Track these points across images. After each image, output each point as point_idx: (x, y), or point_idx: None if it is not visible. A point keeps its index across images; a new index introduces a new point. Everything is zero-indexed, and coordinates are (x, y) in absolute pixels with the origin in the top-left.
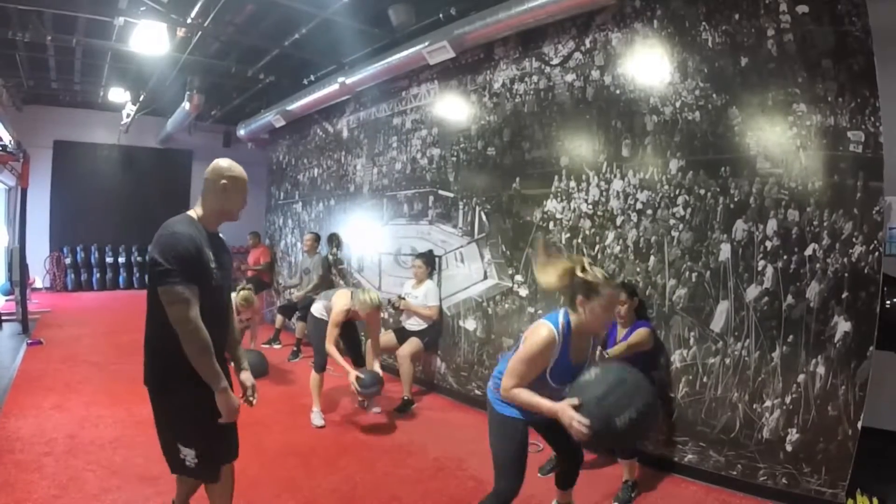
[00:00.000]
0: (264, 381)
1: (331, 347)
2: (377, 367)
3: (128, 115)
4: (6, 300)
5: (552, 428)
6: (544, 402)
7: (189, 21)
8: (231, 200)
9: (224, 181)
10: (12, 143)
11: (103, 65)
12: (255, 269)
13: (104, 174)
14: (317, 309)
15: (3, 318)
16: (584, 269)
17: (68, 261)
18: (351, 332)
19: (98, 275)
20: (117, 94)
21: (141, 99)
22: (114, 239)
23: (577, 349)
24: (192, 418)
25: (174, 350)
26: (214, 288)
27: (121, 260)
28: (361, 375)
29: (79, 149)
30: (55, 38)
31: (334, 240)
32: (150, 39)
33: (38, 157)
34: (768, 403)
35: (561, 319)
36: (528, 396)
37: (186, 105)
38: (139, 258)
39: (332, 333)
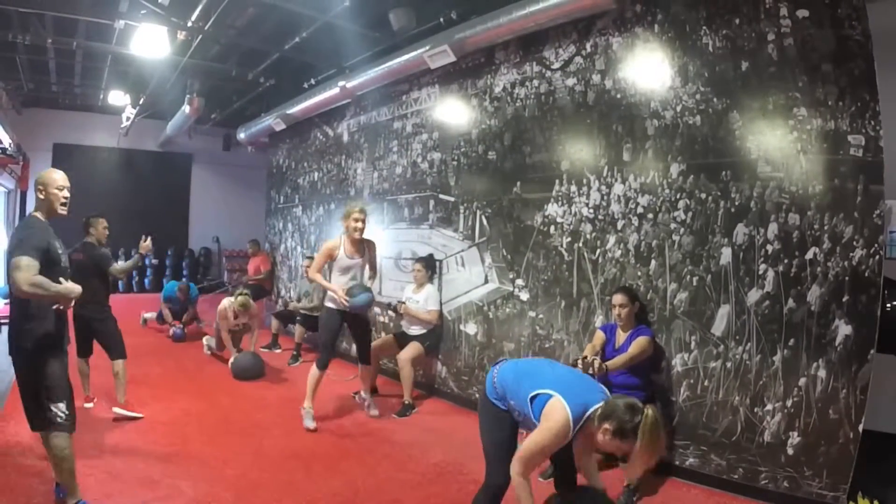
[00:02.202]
0: (265, 383)
1: (316, 275)
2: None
3: (127, 119)
4: (5, 304)
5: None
6: None
7: (190, 24)
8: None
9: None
10: (12, 145)
11: (103, 68)
12: (256, 278)
13: (104, 177)
14: (328, 300)
15: (3, 321)
16: (645, 419)
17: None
18: (363, 331)
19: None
20: (117, 98)
21: (141, 102)
22: (113, 242)
23: (584, 437)
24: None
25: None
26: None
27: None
28: (350, 286)
29: (78, 152)
30: (56, 40)
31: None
32: (150, 43)
33: (37, 160)
34: (769, 407)
35: (586, 414)
36: (525, 492)
37: (186, 108)
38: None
39: (319, 262)
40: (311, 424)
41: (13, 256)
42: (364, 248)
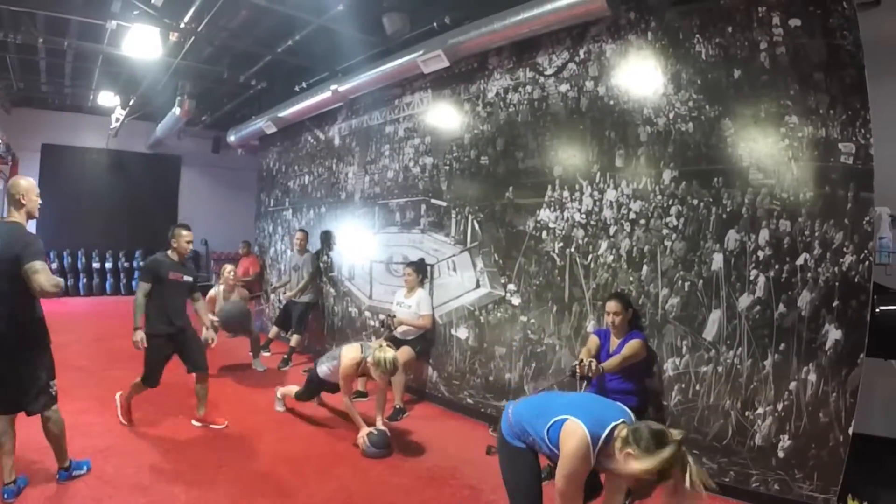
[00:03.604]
0: (256, 389)
1: (347, 400)
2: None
3: (117, 120)
4: None
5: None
6: None
7: (182, 26)
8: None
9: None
10: (2, 145)
11: (94, 68)
12: (244, 280)
13: (92, 179)
14: (322, 371)
15: None
16: (682, 461)
17: (55, 266)
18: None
19: (85, 280)
20: (107, 99)
21: (131, 103)
22: (101, 244)
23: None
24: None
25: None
26: None
27: (108, 265)
28: (375, 432)
29: (67, 153)
30: (47, 40)
31: (327, 239)
32: (142, 44)
33: (25, 160)
34: (760, 411)
35: (605, 431)
36: None
37: (177, 110)
38: (126, 264)
39: (346, 387)
40: (280, 408)
41: (28, 261)
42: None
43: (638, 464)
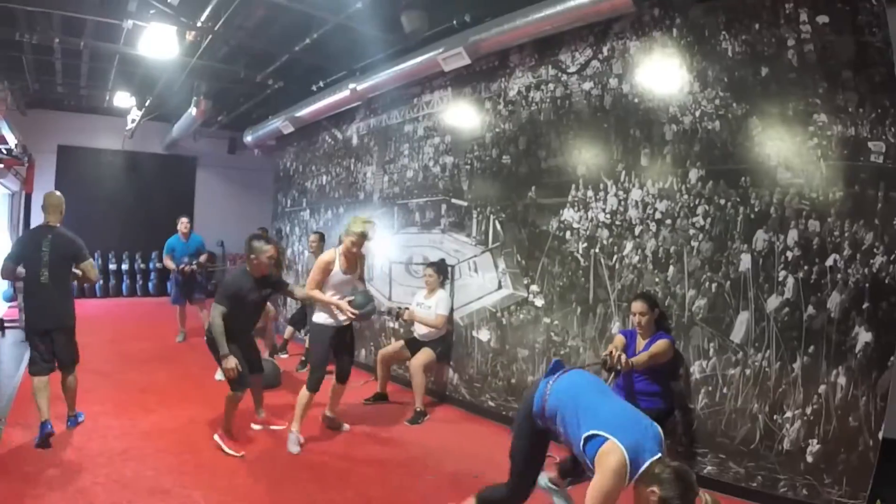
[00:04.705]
0: (276, 391)
1: (315, 292)
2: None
3: (133, 121)
4: (9, 306)
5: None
6: None
7: (199, 25)
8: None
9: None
10: (17, 147)
11: (110, 69)
12: None
13: (108, 180)
14: (319, 316)
15: (6, 324)
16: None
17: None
18: (348, 350)
19: (101, 282)
20: (123, 99)
21: (147, 104)
22: (117, 246)
23: None
24: None
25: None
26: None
27: (124, 267)
28: (352, 298)
29: (83, 154)
30: (63, 40)
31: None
32: (159, 43)
33: (41, 162)
34: (789, 414)
35: (644, 464)
36: None
37: (193, 110)
38: (143, 265)
39: (316, 279)
40: (295, 449)
41: (85, 259)
42: (357, 262)
43: None
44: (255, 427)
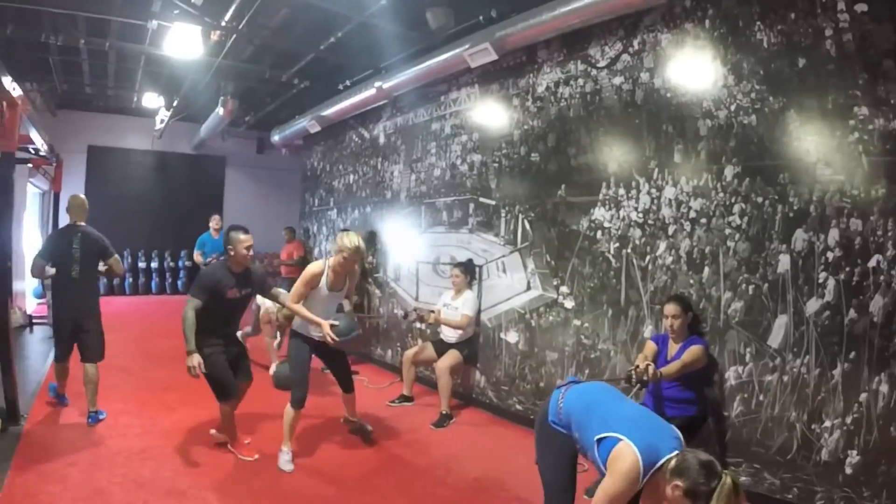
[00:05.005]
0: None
1: (297, 306)
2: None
3: (161, 121)
4: (38, 303)
5: None
6: None
7: (223, 24)
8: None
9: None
10: (45, 147)
11: (137, 69)
12: (287, 263)
13: (138, 180)
14: (297, 323)
15: (34, 321)
16: (723, 487)
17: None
18: (338, 358)
19: (130, 279)
20: (151, 100)
21: (174, 104)
22: (147, 244)
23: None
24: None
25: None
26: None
27: (153, 265)
28: (336, 323)
29: (112, 154)
30: (88, 41)
31: (372, 239)
32: (183, 43)
33: (71, 162)
34: (828, 423)
35: (658, 463)
36: None
37: (220, 110)
38: (171, 263)
39: (299, 291)
40: (287, 468)
41: (112, 255)
42: (346, 278)
43: (685, 497)
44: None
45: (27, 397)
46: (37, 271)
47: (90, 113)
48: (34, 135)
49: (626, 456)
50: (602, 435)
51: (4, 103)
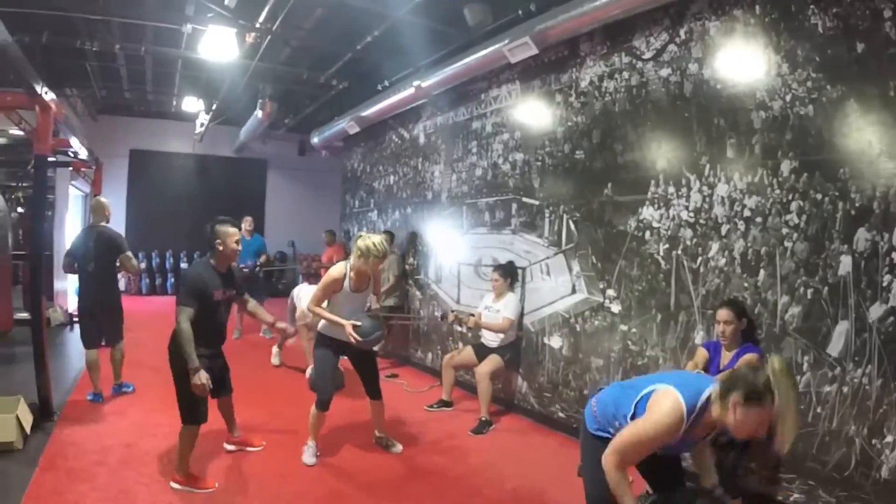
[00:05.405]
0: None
1: (317, 308)
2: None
3: (201, 125)
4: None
5: (652, 466)
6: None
7: (257, 26)
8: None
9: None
10: (84, 150)
11: (174, 73)
12: (328, 266)
13: (179, 182)
14: (321, 325)
15: (75, 319)
16: (774, 370)
17: (143, 265)
18: (367, 361)
19: (172, 279)
20: (190, 104)
21: (213, 108)
22: (188, 245)
23: (697, 434)
24: None
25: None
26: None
27: None
28: (359, 324)
29: (154, 158)
30: (124, 46)
31: (413, 240)
32: (219, 46)
33: (114, 165)
34: (890, 439)
35: (701, 400)
36: (623, 488)
37: (259, 113)
38: None
39: (318, 296)
40: (310, 461)
41: (123, 252)
42: (370, 279)
43: (747, 406)
44: (229, 447)
45: (61, 395)
46: (66, 267)
47: (131, 118)
48: (73, 139)
49: (666, 396)
50: (639, 396)
51: (38, 107)
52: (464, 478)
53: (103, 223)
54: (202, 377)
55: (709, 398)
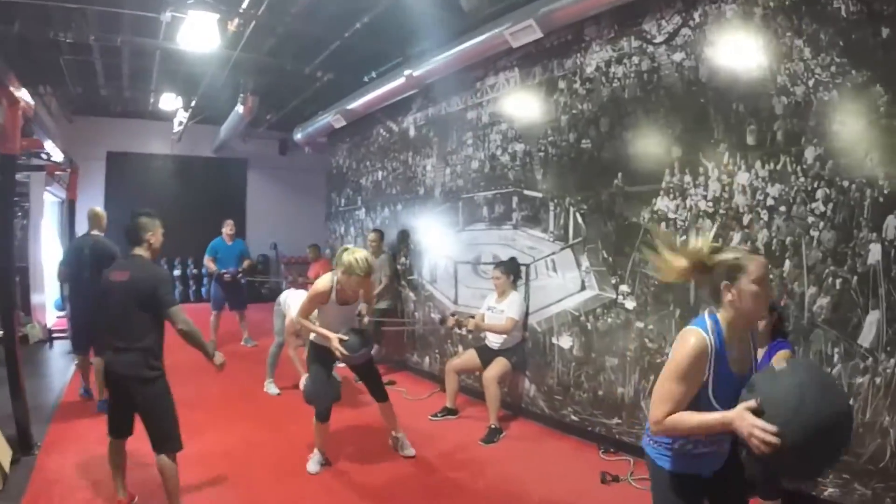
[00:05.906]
0: (337, 407)
1: (304, 320)
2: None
3: (180, 123)
4: (58, 316)
5: (719, 484)
6: (712, 417)
7: (240, 12)
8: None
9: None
10: (58, 153)
11: (152, 67)
12: (313, 282)
13: (158, 185)
14: (314, 334)
15: (54, 335)
16: (714, 251)
17: None
18: (365, 366)
19: None
20: (168, 101)
21: (192, 105)
22: (169, 251)
23: (738, 356)
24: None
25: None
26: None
27: (176, 273)
28: (346, 338)
29: (132, 160)
30: (99, 37)
31: (405, 239)
32: (199, 34)
33: (91, 168)
34: None
35: (708, 322)
36: (689, 418)
37: (240, 108)
38: (195, 270)
39: (305, 308)
40: (314, 468)
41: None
42: (358, 291)
43: (738, 283)
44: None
45: (42, 422)
46: (61, 275)
47: (107, 118)
48: (46, 141)
49: (686, 334)
50: None
51: (4, 101)
52: (486, 494)
53: (96, 231)
54: (220, 357)
55: (713, 317)
